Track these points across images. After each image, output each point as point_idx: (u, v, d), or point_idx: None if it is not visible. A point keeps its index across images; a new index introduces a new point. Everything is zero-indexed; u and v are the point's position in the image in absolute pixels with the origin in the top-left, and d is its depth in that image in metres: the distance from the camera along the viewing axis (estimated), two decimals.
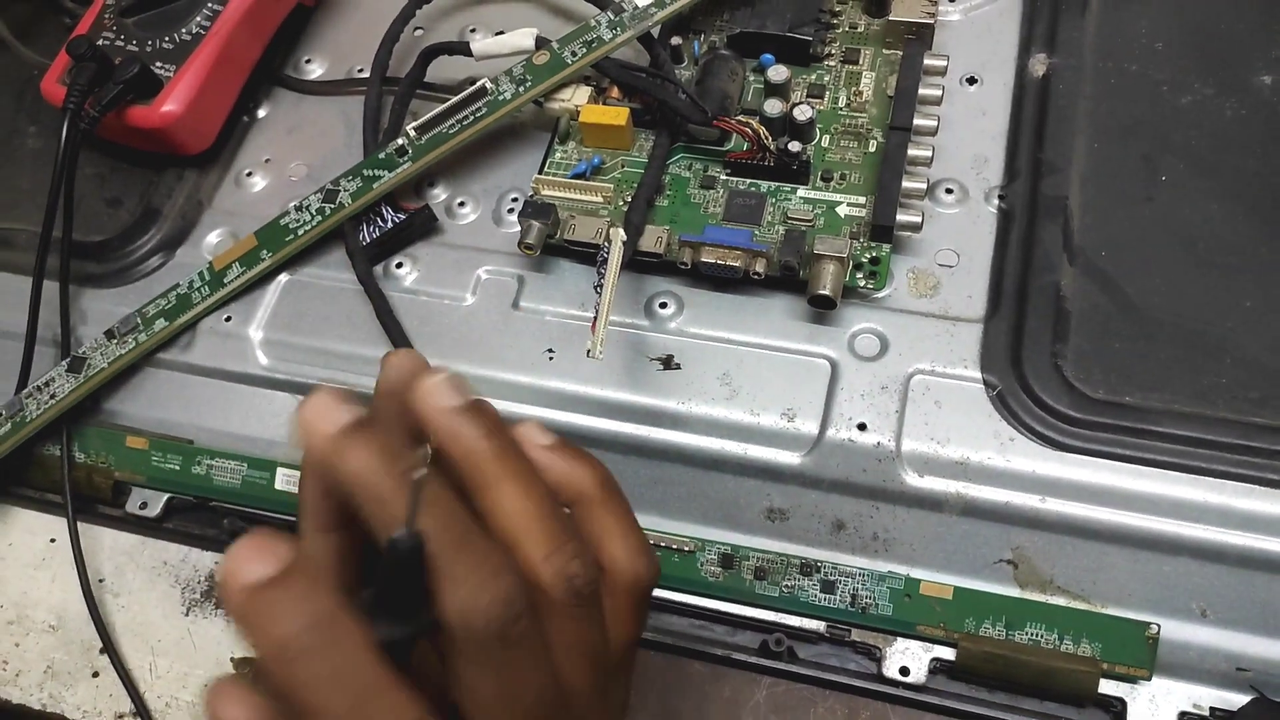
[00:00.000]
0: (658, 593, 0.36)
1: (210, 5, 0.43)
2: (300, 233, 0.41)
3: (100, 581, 0.39)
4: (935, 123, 0.39)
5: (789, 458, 0.36)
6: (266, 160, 0.45)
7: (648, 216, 0.39)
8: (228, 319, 0.41)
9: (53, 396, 0.40)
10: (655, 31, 0.42)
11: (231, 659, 0.37)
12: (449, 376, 0.22)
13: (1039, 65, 0.42)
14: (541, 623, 0.21)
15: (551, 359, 0.38)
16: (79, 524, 0.39)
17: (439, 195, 0.43)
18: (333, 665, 0.19)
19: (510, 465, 0.22)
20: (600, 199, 0.40)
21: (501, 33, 0.46)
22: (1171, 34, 0.42)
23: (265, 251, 0.41)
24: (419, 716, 0.19)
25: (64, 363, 0.41)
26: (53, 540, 0.41)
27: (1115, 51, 0.42)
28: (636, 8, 0.41)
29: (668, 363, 0.38)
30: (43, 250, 0.41)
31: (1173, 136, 0.40)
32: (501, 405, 0.38)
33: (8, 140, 0.48)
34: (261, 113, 0.47)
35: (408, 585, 0.20)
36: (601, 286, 0.35)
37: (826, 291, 0.36)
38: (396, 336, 0.39)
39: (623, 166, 0.41)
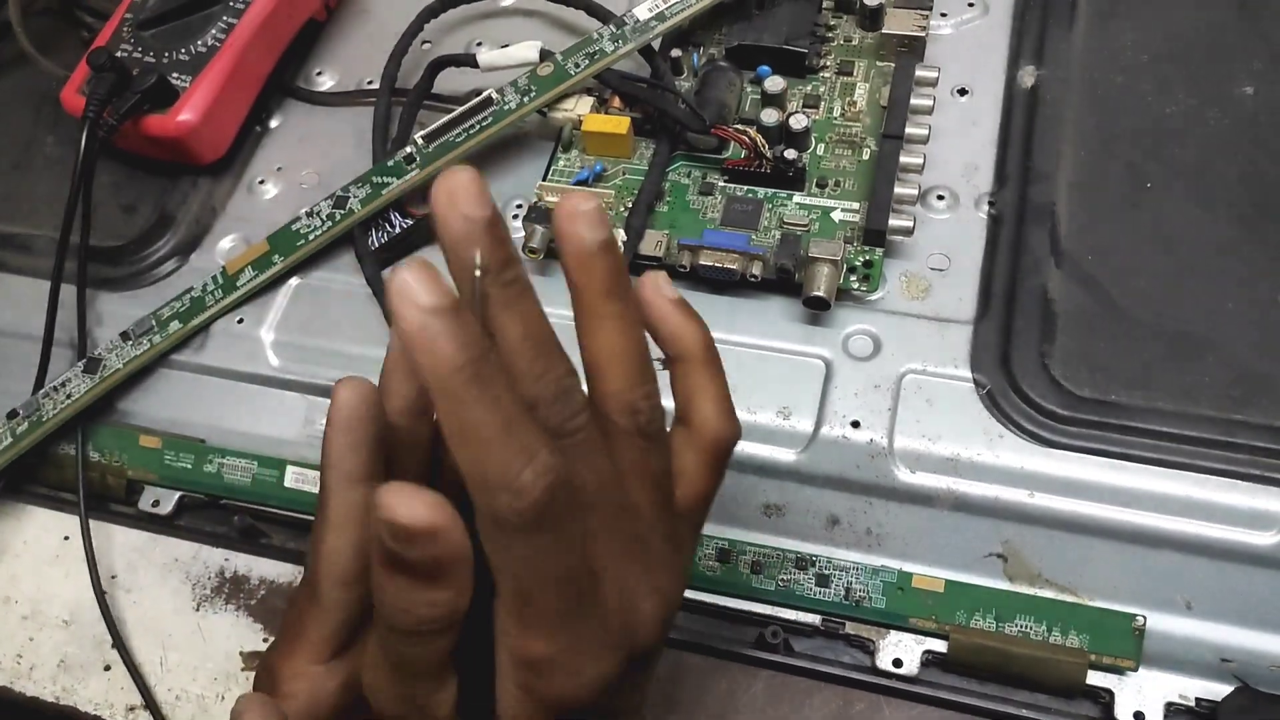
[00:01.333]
0: None
1: (225, 19, 0.45)
2: (311, 238, 0.42)
3: (113, 578, 0.40)
4: (927, 131, 0.40)
5: (785, 455, 0.37)
6: (278, 169, 0.46)
7: (648, 221, 0.40)
8: (240, 321, 0.42)
9: (69, 397, 0.41)
10: (656, 44, 0.43)
11: (240, 652, 0.38)
12: (598, 207, 0.23)
13: (1027, 77, 0.43)
14: (610, 441, 0.23)
15: None
16: (92, 521, 0.40)
17: None
18: (492, 392, 0.20)
19: (617, 306, 0.24)
20: (602, 204, 0.41)
21: (507, 45, 0.47)
22: (1156, 47, 0.43)
23: (277, 256, 0.42)
24: (550, 446, 0.20)
25: (80, 364, 0.42)
26: (66, 538, 0.42)
27: (1101, 64, 0.43)
28: (638, 21, 0.42)
29: (664, 362, 0.39)
30: (61, 254, 0.42)
31: (1157, 145, 0.41)
32: None
33: (27, 148, 0.49)
34: (274, 123, 0.48)
35: None
36: None
37: (821, 293, 0.37)
38: None
39: (624, 174, 0.42)
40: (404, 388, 0.25)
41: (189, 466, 0.41)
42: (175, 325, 0.42)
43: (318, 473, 0.39)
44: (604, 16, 0.45)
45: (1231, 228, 0.39)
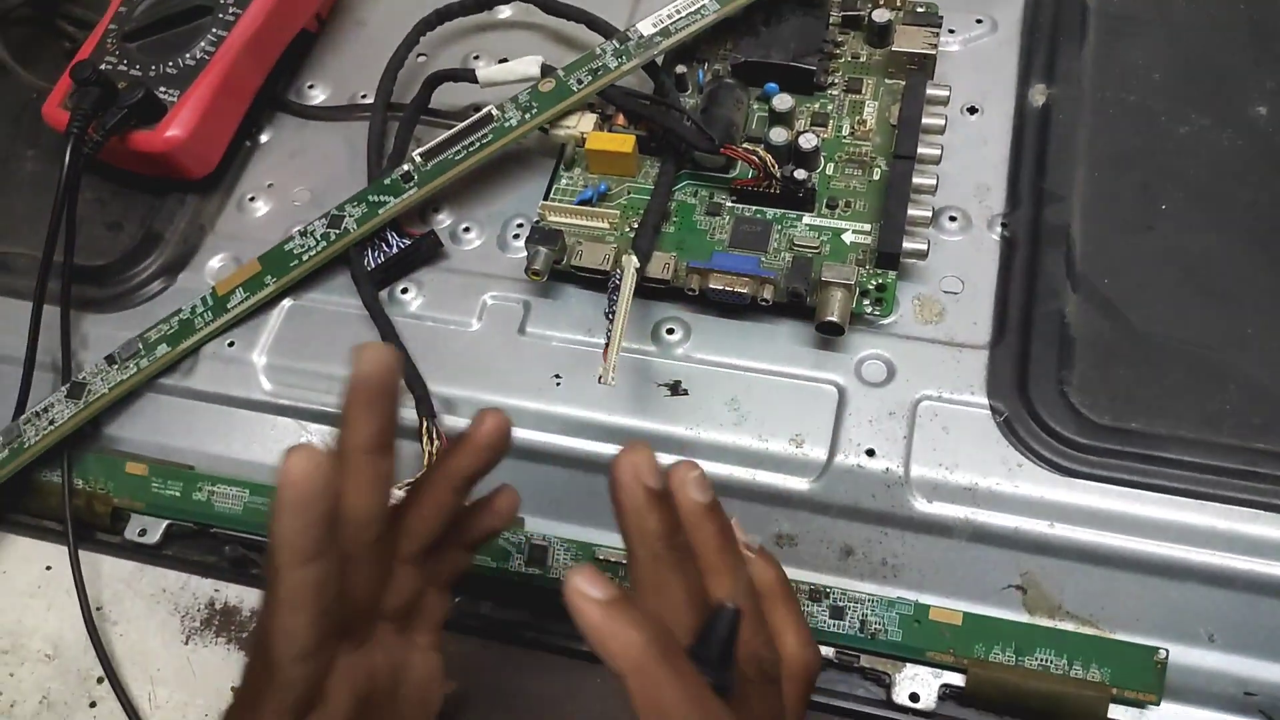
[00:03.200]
0: None
1: (214, 31, 0.43)
2: (305, 258, 0.41)
3: (98, 609, 0.39)
4: (939, 151, 0.39)
5: (798, 483, 0.36)
6: (269, 185, 0.45)
7: (654, 243, 0.39)
8: (230, 344, 0.41)
9: (52, 422, 0.40)
10: (660, 60, 0.42)
11: (232, 688, 0.37)
12: (700, 475, 0.27)
13: (1038, 95, 0.43)
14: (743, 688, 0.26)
15: (559, 384, 0.38)
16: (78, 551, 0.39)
17: (444, 221, 0.43)
18: (681, 690, 0.22)
19: (733, 560, 0.27)
20: (606, 225, 0.40)
21: (505, 60, 0.46)
22: (1168, 66, 0.43)
23: (269, 277, 0.41)
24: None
25: (64, 388, 0.40)
26: (49, 568, 0.40)
27: (1113, 82, 0.42)
28: (642, 36, 0.41)
29: (675, 389, 0.38)
30: (43, 274, 0.41)
31: (1172, 166, 0.40)
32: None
33: (4, 164, 0.48)
34: (264, 138, 0.47)
35: (722, 643, 0.24)
36: (613, 313, 0.35)
37: (835, 318, 0.36)
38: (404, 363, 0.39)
39: (629, 193, 0.41)
40: (367, 425, 0.26)
41: (177, 494, 0.39)
42: (163, 349, 0.40)
43: None
44: (605, 31, 0.44)
45: (1248, 250, 0.38)
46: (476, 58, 0.47)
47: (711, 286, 0.38)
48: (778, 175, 0.39)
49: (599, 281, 0.39)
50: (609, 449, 0.37)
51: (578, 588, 0.22)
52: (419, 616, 0.30)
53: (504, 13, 0.49)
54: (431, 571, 0.30)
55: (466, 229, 0.43)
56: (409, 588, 0.29)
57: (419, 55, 0.48)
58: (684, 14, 0.42)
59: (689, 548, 0.26)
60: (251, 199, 0.45)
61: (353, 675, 0.27)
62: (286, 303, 0.41)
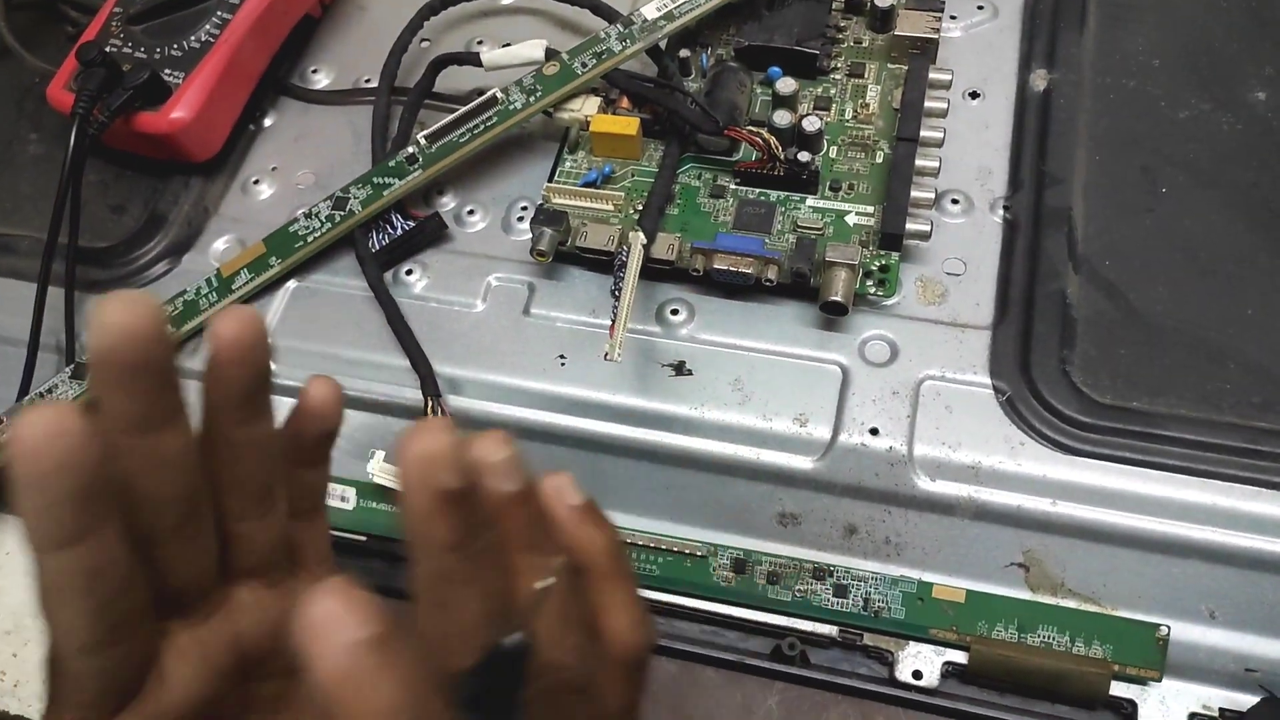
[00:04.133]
0: (671, 599, 0.36)
1: (219, 14, 0.43)
2: (309, 239, 0.41)
3: None
4: (941, 134, 0.40)
5: (801, 462, 0.36)
6: (273, 168, 0.45)
7: (659, 225, 0.39)
8: None
9: None
10: (663, 44, 0.42)
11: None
12: (509, 456, 0.23)
13: (1039, 80, 0.43)
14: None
15: (563, 365, 0.39)
16: None
17: (448, 204, 0.43)
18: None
19: (545, 553, 0.22)
20: (611, 207, 0.40)
21: (509, 44, 0.46)
22: (1168, 51, 0.43)
23: (274, 258, 0.41)
24: None
25: (68, 369, 0.40)
26: None
27: (1113, 68, 0.43)
28: (645, 20, 0.42)
29: (679, 369, 0.38)
30: (48, 256, 0.41)
31: (1171, 150, 0.41)
32: (514, 411, 0.38)
33: (8, 146, 0.48)
34: (268, 121, 0.47)
35: (505, 685, 0.20)
36: (620, 290, 0.35)
37: (839, 298, 0.36)
38: (408, 343, 0.39)
39: (632, 176, 0.41)
40: (122, 402, 0.20)
41: None
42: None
43: None
44: (609, 15, 0.44)
45: (1247, 233, 0.38)
46: (480, 42, 0.47)
47: (716, 267, 0.38)
48: (781, 157, 0.39)
49: (604, 263, 0.39)
50: (614, 429, 0.37)
51: (323, 617, 0.17)
52: (295, 557, 0.26)
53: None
54: (286, 510, 0.25)
55: (471, 211, 0.43)
56: (259, 541, 0.25)
57: (422, 41, 0.48)
58: None
59: (491, 549, 0.21)
60: (255, 182, 0.45)
61: (202, 650, 0.24)
62: (291, 284, 0.41)
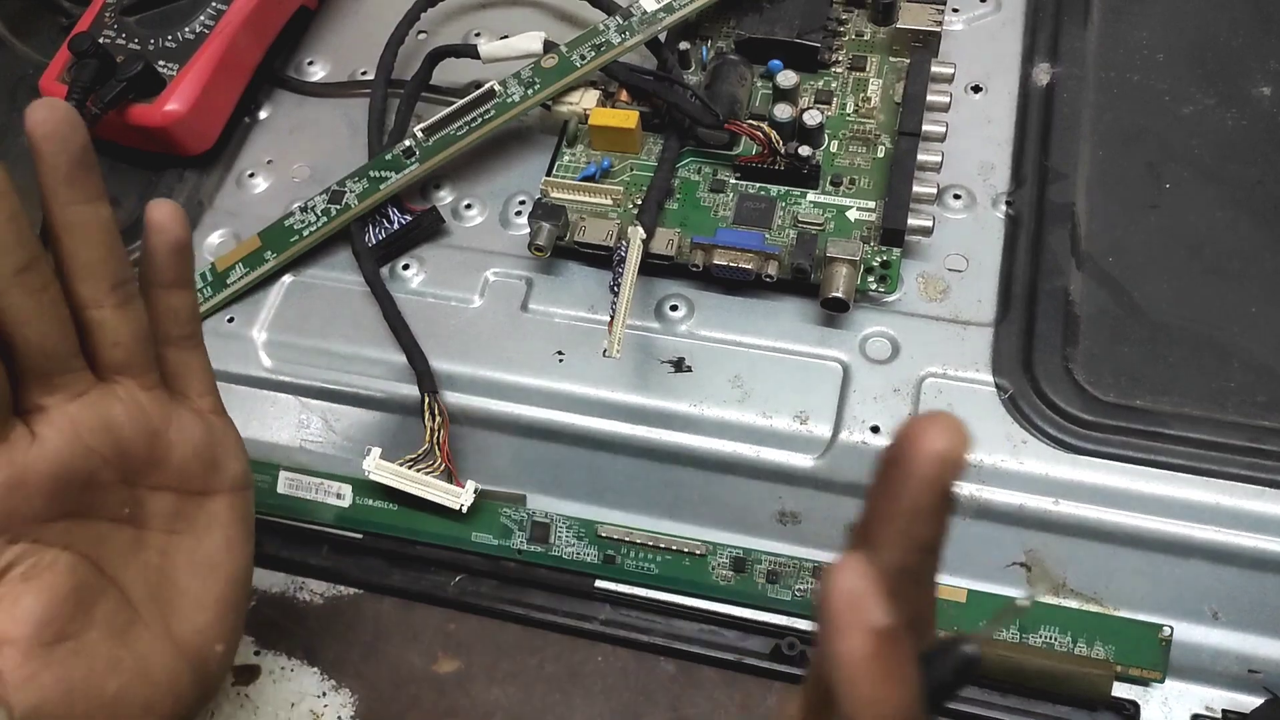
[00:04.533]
0: (670, 597, 0.36)
1: (214, 5, 0.43)
2: (305, 234, 0.40)
3: None
4: (943, 129, 0.39)
5: (802, 460, 0.36)
6: (269, 161, 0.45)
7: (658, 220, 0.39)
8: (230, 320, 0.40)
9: None
10: (663, 36, 0.42)
11: (231, 666, 0.37)
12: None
13: (1042, 74, 0.42)
14: None
15: (561, 361, 0.38)
16: None
17: (445, 198, 0.43)
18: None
19: None
20: (610, 201, 0.40)
21: (507, 36, 0.46)
22: (1172, 45, 0.43)
23: (269, 252, 0.40)
24: None
25: None
26: None
27: (1117, 62, 0.42)
28: (645, 12, 0.41)
29: (679, 365, 0.38)
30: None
31: (1176, 145, 0.40)
32: (511, 408, 0.38)
33: (0, 139, 0.47)
34: (263, 114, 0.46)
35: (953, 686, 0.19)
36: (619, 285, 0.35)
37: (840, 294, 0.36)
38: (405, 339, 0.38)
39: (631, 170, 0.41)
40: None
41: None
42: None
43: (313, 479, 0.38)
44: (608, 7, 0.44)
45: (1252, 229, 0.38)
46: (478, 35, 0.47)
47: (716, 262, 0.37)
48: (782, 151, 0.39)
49: (602, 258, 0.39)
50: (613, 426, 0.37)
51: (849, 595, 0.16)
52: (177, 381, 0.30)
53: None
54: (154, 329, 0.29)
55: (468, 206, 0.42)
56: (122, 334, 0.27)
57: (419, 33, 0.47)
58: None
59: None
60: (251, 175, 0.44)
61: (73, 424, 0.27)
62: (287, 278, 0.41)
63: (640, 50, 0.41)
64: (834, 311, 0.37)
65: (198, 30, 0.42)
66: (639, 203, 0.39)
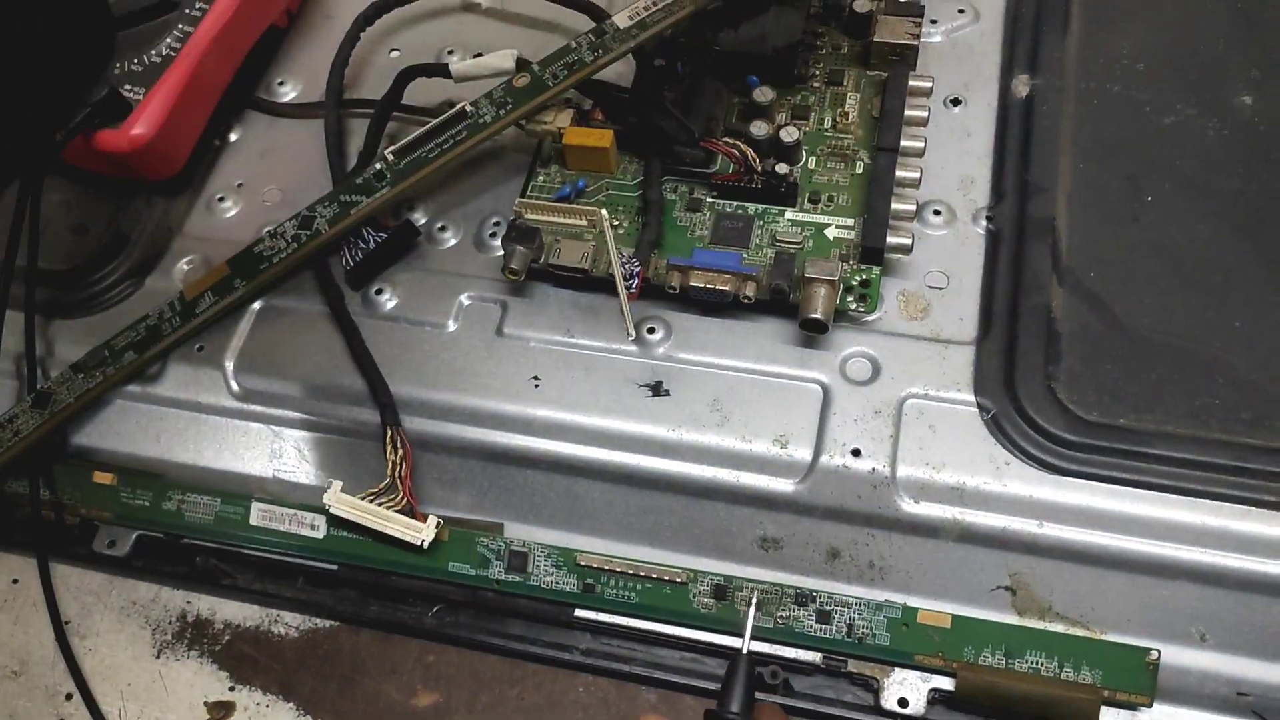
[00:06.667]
0: (651, 626, 0.35)
1: (181, 27, 0.42)
2: (275, 260, 0.40)
3: (66, 623, 0.38)
4: (922, 144, 0.39)
5: (782, 485, 0.35)
6: (239, 184, 0.44)
7: (660, 238, 0.38)
8: (199, 349, 0.40)
9: (17, 433, 0.38)
10: (639, 53, 0.41)
11: (205, 702, 0.36)
12: None
13: (1022, 86, 0.42)
14: None
15: (537, 386, 0.38)
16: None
17: (419, 220, 0.42)
18: None
19: None
20: (585, 222, 0.39)
21: (480, 54, 0.45)
22: (1153, 55, 0.42)
23: (238, 280, 0.40)
24: None
25: (29, 397, 0.39)
26: (15, 581, 0.39)
27: (1097, 72, 0.42)
28: (618, 30, 0.41)
29: (657, 389, 0.37)
30: (5, 279, 0.39)
31: (1157, 157, 0.40)
32: (487, 435, 0.37)
33: None
34: (233, 136, 0.45)
35: None
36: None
37: (818, 315, 0.35)
38: (369, 370, 0.38)
39: (607, 190, 0.40)
40: None
41: (147, 504, 0.38)
42: (130, 356, 0.39)
43: (286, 510, 0.37)
44: (595, 13, 0.43)
45: (1235, 241, 0.38)
46: (451, 52, 0.46)
47: (693, 284, 0.37)
48: (759, 170, 0.38)
49: (578, 280, 0.38)
50: (590, 452, 0.36)
51: None
52: None
53: (483, 1, 0.48)
54: None
55: (442, 228, 0.42)
56: None
57: (391, 50, 0.47)
58: (660, 5, 0.41)
59: None
60: (221, 199, 0.43)
61: None
62: (257, 305, 0.40)
63: (615, 67, 0.41)
64: (813, 333, 0.37)
65: (165, 53, 0.42)
66: (616, 224, 0.39)
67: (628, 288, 0.35)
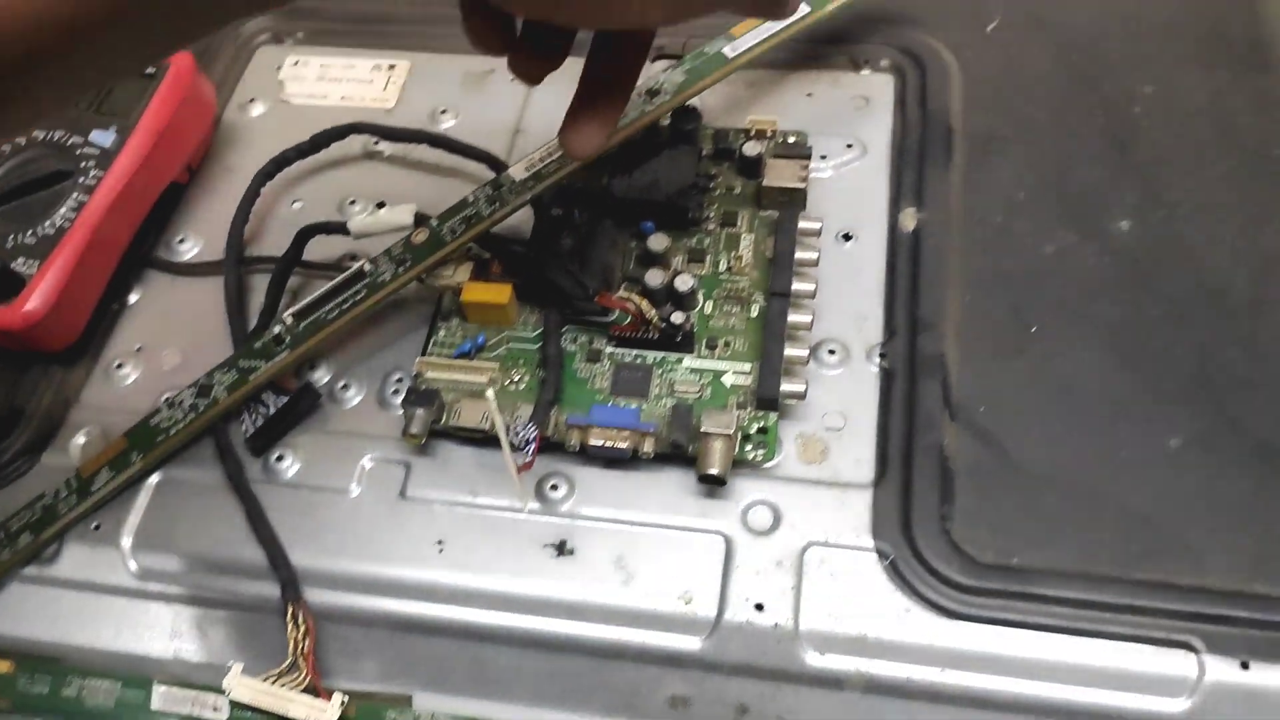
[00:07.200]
0: None
1: (75, 196, 0.42)
2: (172, 432, 0.39)
3: None
4: (813, 286, 0.40)
5: (689, 643, 0.35)
6: (138, 349, 0.44)
7: (558, 396, 0.38)
8: (96, 527, 0.39)
9: None
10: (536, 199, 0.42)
11: None
12: None
13: (909, 219, 0.43)
14: None
15: (442, 551, 0.37)
16: None
17: (321, 378, 0.42)
18: None
19: None
20: (485, 379, 0.39)
21: (382, 204, 0.46)
22: (1032, 184, 0.44)
23: (136, 454, 0.39)
24: None
25: None
26: None
27: (980, 203, 0.43)
28: (514, 181, 0.41)
29: (561, 548, 0.37)
30: None
31: (1040, 286, 0.41)
32: (390, 605, 0.37)
33: None
34: (133, 297, 0.45)
35: None
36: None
37: (715, 471, 0.36)
38: (268, 543, 0.37)
39: (508, 344, 0.40)
40: None
41: (45, 691, 0.37)
42: (26, 538, 0.38)
43: (188, 693, 0.36)
44: (494, 164, 0.44)
45: (1118, 371, 0.39)
46: (352, 202, 0.47)
47: (591, 443, 0.37)
48: (655, 321, 0.39)
49: (478, 440, 0.38)
50: (495, 617, 0.36)
51: None
52: None
53: (384, 150, 0.48)
54: None
55: (345, 386, 0.42)
56: None
57: (294, 201, 0.47)
58: (556, 156, 0.42)
59: None
60: (119, 365, 0.43)
61: None
62: (155, 478, 0.40)
63: (517, 213, 0.41)
64: (712, 486, 0.37)
65: (59, 224, 0.42)
66: (517, 379, 0.39)
67: (525, 457, 0.36)
